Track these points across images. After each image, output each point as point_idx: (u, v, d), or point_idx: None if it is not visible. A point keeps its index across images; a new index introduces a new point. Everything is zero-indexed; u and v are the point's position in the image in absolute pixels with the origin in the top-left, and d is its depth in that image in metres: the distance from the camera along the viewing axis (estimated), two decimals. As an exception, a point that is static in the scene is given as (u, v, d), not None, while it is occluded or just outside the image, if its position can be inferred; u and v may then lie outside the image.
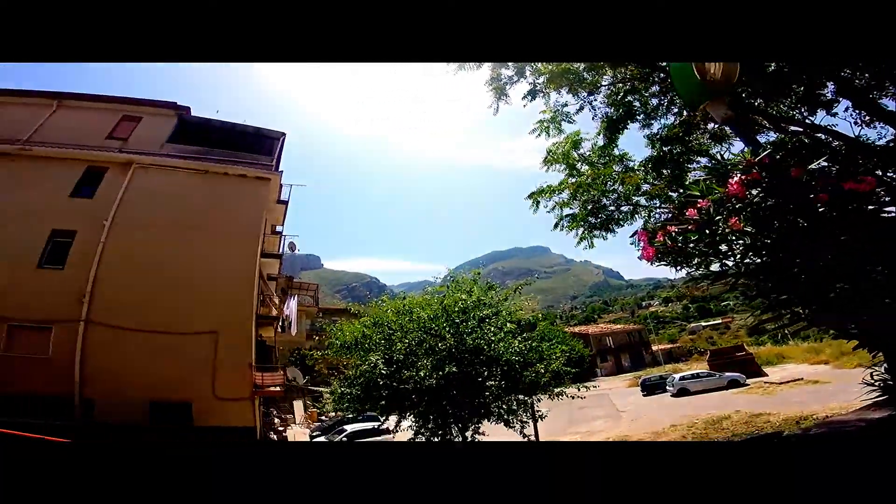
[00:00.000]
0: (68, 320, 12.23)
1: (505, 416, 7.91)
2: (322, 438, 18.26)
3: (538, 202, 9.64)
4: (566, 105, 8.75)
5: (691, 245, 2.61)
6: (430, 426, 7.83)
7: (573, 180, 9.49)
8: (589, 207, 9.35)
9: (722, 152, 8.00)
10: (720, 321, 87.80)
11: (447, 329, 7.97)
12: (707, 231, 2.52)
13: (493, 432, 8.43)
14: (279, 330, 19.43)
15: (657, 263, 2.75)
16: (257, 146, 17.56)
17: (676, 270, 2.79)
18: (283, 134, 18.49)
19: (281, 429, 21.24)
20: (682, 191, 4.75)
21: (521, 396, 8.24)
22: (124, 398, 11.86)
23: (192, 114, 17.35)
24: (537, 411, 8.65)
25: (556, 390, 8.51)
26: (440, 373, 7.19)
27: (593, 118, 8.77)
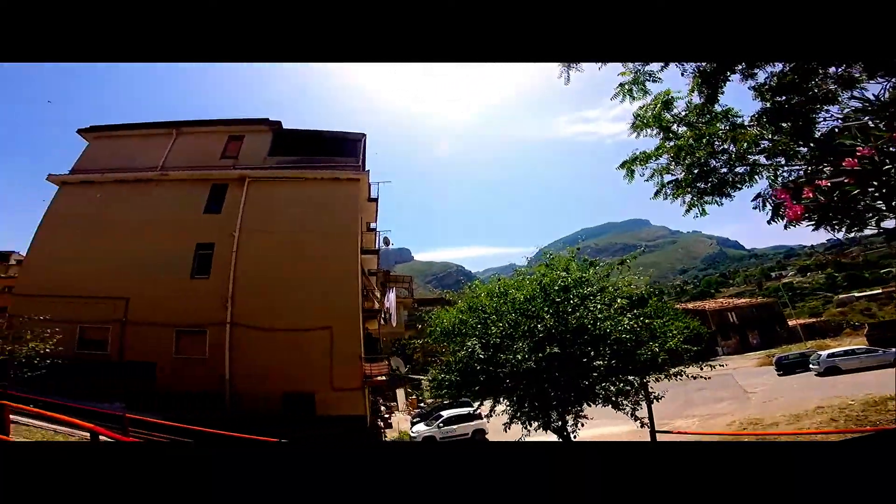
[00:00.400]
0: (217, 323, 14.47)
1: (613, 398, 7.49)
2: (422, 424, 19.31)
3: (632, 171, 8.73)
4: (647, 63, 7.74)
5: (855, 200, 2.06)
6: (525, 409, 7.69)
7: (671, 143, 8.42)
8: (695, 171, 8.23)
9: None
10: (880, 291, 72.24)
11: (546, 309, 7.71)
12: (875, 182, 2.03)
13: (597, 416, 8.01)
14: (381, 322, 20.79)
15: (806, 224, 2.24)
16: (342, 149, 18.85)
17: (834, 230, 2.24)
18: (364, 135, 19.61)
19: (387, 416, 22.84)
20: (812, 144, 4.03)
21: (631, 377, 7.73)
22: (263, 392, 13.79)
23: (283, 127, 19.07)
24: (651, 392, 7.99)
25: (674, 370, 7.81)
26: (540, 354, 6.99)
27: (682, 74, 7.59)
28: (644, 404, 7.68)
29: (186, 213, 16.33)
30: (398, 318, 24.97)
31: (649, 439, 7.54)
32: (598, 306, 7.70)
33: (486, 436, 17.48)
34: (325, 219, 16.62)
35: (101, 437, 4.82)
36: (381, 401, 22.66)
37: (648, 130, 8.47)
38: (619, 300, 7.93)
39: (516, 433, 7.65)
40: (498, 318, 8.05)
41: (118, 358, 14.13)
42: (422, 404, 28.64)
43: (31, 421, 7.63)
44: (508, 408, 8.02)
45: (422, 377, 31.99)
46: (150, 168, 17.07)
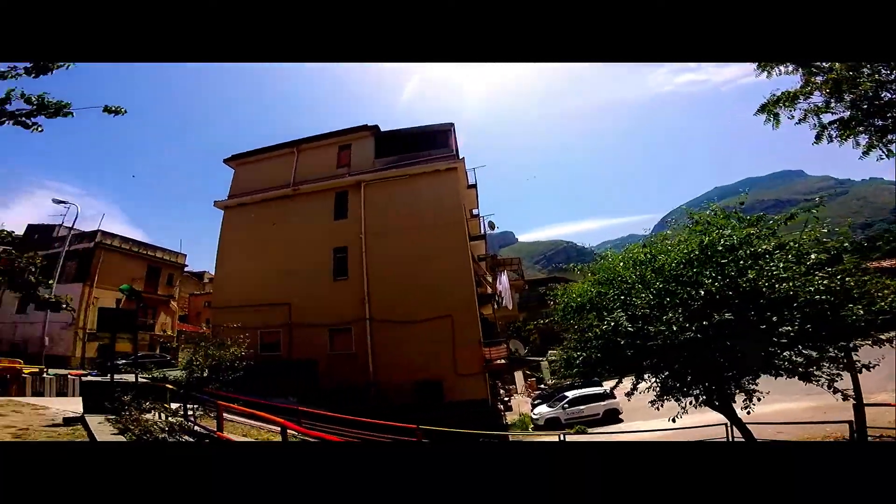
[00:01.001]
0: (359, 320, 16.50)
1: (802, 369, 6.57)
2: (543, 406, 19.22)
3: (776, 115, 7.36)
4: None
5: None
6: (679, 384, 7.17)
7: (820, 78, 6.96)
8: (864, 107, 6.72)
9: None
10: None
11: (707, 273, 6.97)
12: None
13: (776, 389, 6.87)
14: (495, 306, 21.31)
15: None
16: (435, 141, 19.61)
17: None
18: (452, 124, 20.18)
19: (507, 399, 23.26)
20: None
21: (828, 345, 6.68)
22: (398, 382, 15.36)
23: (381, 130, 20.49)
24: (856, 361, 6.83)
25: (886, 335, 6.58)
26: (705, 322, 6.42)
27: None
28: (841, 375, 6.54)
29: (321, 221, 18.68)
30: (512, 301, 25.20)
31: (852, 415, 6.20)
32: (781, 265, 6.72)
33: (620, 416, 16.80)
34: (433, 211, 17.50)
35: (290, 432, 5.34)
36: (499, 384, 23.26)
37: (782, 67, 7.05)
38: (813, 255, 6.80)
39: (670, 411, 7.18)
40: (644, 288, 7.50)
41: (288, 357, 16.80)
42: (542, 386, 28.56)
43: (234, 418, 8.98)
44: (656, 384, 7.55)
45: (540, 359, 31.85)
46: (284, 185, 19.70)
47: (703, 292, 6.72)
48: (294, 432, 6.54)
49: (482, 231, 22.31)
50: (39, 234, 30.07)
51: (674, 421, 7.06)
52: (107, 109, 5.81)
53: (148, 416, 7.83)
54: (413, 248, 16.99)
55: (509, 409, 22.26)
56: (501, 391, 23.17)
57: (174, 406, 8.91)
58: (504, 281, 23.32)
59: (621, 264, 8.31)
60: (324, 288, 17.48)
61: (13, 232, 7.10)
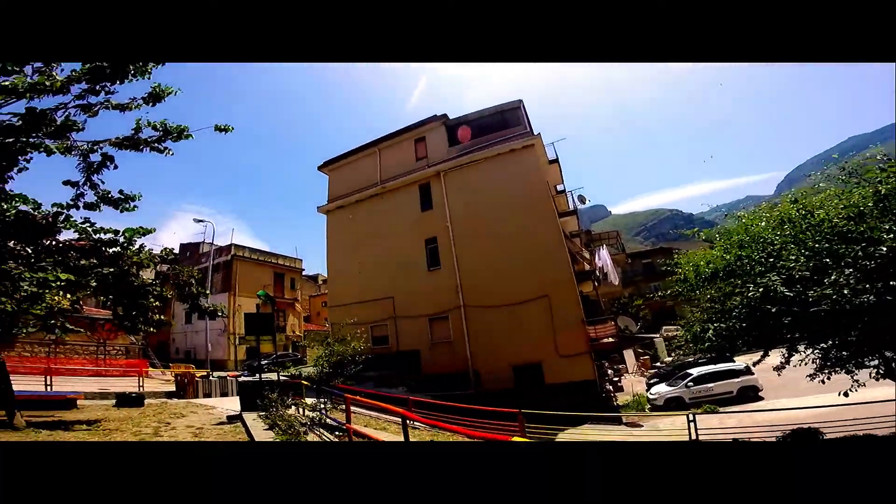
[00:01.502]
0: (455, 308, 16.87)
1: None
2: (662, 385, 17.67)
3: None
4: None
5: None
6: (846, 355, 6.31)
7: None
8: None
9: None
10: None
11: (888, 227, 5.91)
12: None
13: None
14: (595, 283, 20.16)
15: None
16: (506, 121, 18.99)
17: None
18: (520, 101, 19.28)
19: (616, 379, 21.85)
20: None
21: None
22: (496, 367, 15.40)
23: (449, 118, 20.40)
24: None
25: None
26: (886, 284, 5.43)
27: None
28: None
29: (410, 214, 19.42)
30: (615, 276, 23.60)
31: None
32: None
33: (760, 393, 14.84)
34: (515, 191, 17.07)
35: (409, 421, 5.50)
36: (606, 364, 22.11)
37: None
38: None
39: (838, 385, 6.31)
40: (798, 248, 6.60)
41: (397, 349, 17.90)
42: (657, 364, 26.34)
43: (359, 410, 9.69)
44: (817, 355, 6.74)
45: (653, 335, 29.40)
46: (372, 185, 20.83)
47: (884, 249, 5.56)
48: (418, 423, 6.88)
49: (572, 206, 21.14)
50: (190, 251, 36.35)
51: (846, 395, 6.23)
52: (217, 128, 6.53)
53: (290, 411, 8.97)
54: (500, 231, 16.82)
55: (620, 389, 21.04)
56: (610, 371, 22.01)
57: (310, 401, 10.09)
58: (604, 256, 21.84)
59: (763, 224, 7.30)
60: (420, 279, 18.15)
61: (174, 250, 8.33)
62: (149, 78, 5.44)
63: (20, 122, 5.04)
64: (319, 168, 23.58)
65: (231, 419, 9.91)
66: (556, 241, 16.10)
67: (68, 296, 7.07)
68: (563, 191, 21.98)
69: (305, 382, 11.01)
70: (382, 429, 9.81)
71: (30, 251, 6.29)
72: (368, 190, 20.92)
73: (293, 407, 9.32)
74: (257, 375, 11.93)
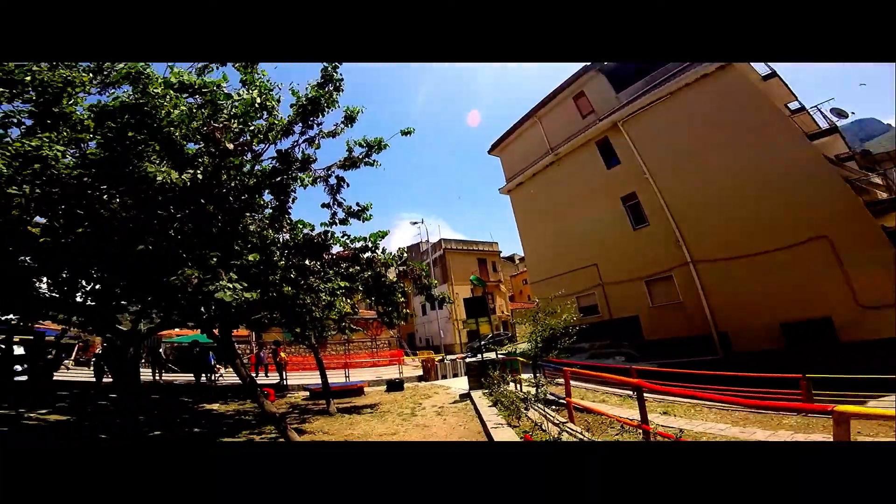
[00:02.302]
0: (680, 265, 14.35)
1: None
2: None
3: None
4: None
5: None
6: None
7: None
8: None
9: None
10: None
11: None
12: None
13: None
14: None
15: None
16: None
17: None
18: None
19: None
20: None
21: None
22: (753, 325, 12.30)
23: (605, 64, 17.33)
24: None
25: None
26: None
27: None
28: None
29: (594, 175, 17.68)
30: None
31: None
32: None
33: None
34: (726, 120, 13.37)
35: (645, 393, 4.96)
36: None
37: None
38: None
39: None
40: None
41: (609, 317, 16.76)
42: None
43: (575, 383, 9.46)
44: None
45: None
46: (543, 155, 19.93)
47: None
48: (650, 393, 6.26)
49: (825, 125, 15.12)
50: (413, 252, 43.25)
51: None
52: (403, 133, 7.29)
53: (510, 387, 9.42)
54: (720, 171, 13.41)
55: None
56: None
57: (526, 376, 10.38)
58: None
59: None
60: (625, 240, 16.34)
61: (405, 249, 9.68)
62: (337, 107, 6.48)
63: (278, 162, 6.64)
64: (490, 152, 24.14)
65: (462, 397, 11.17)
66: (815, 170, 11.77)
67: (347, 300, 8.51)
68: (801, 108, 16.04)
69: (521, 359, 11.39)
70: (602, 401, 9.23)
71: (318, 266, 7.64)
72: (541, 161, 20.15)
73: (512, 384, 9.76)
74: (479, 356, 13.10)
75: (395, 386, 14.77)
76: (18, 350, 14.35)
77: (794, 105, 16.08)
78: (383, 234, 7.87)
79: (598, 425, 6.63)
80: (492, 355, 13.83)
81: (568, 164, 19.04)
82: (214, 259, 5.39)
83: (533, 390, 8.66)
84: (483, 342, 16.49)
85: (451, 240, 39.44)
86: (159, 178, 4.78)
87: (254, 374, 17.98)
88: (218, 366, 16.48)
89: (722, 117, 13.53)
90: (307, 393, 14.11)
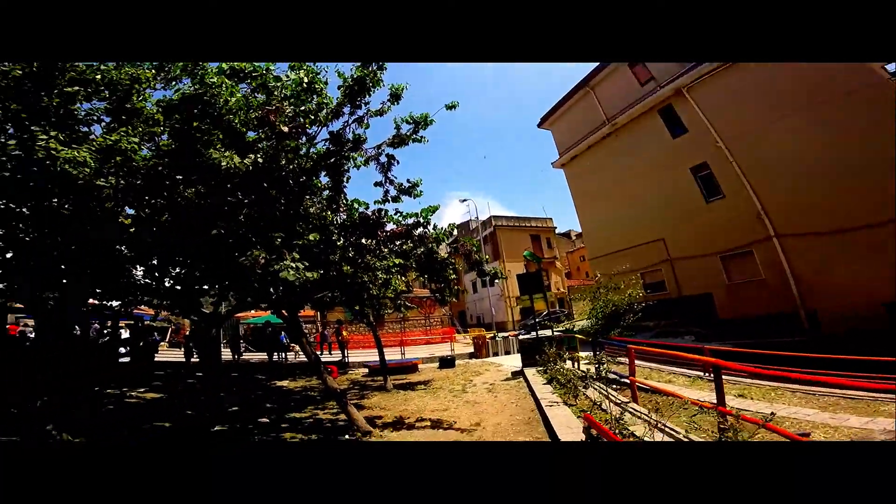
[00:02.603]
0: (762, 240, 12.97)
1: None
2: None
3: None
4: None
5: None
6: None
7: None
8: None
9: None
10: None
11: None
12: None
13: None
14: None
15: None
16: None
17: None
18: None
19: None
20: None
21: None
22: (848, 305, 10.89)
23: None
24: None
25: None
26: None
27: None
28: None
29: (658, 145, 16.36)
30: None
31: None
32: None
33: None
34: (813, 81, 11.69)
35: (722, 372, 4.68)
36: None
37: None
38: None
39: None
40: None
41: (677, 294, 15.70)
42: None
43: (642, 363, 9.12)
44: None
45: None
46: (600, 126, 18.75)
47: None
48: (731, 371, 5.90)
49: None
50: (462, 230, 43.24)
51: None
52: (447, 107, 7.14)
53: (567, 365, 9.18)
54: (807, 138, 11.85)
55: None
56: None
57: (584, 354, 10.07)
58: None
59: None
60: (697, 213, 15.05)
61: (455, 224, 9.44)
62: (382, 85, 6.46)
63: (330, 144, 6.81)
64: (540, 125, 23.13)
65: (514, 375, 11.09)
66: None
67: (402, 278, 8.45)
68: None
69: (580, 336, 11.05)
70: (668, 381, 8.73)
71: (374, 244, 7.66)
72: (597, 132, 18.99)
73: (568, 361, 9.50)
74: (534, 333, 12.89)
75: (447, 363, 15.04)
76: (125, 334, 16.39)
77: (892, 67, 13.64)
78: (434, 209, 7.78)
79: (666, 406, 6.28)
80: (548, 332, 13.55)
81: (627, 134, 17.84)
82: (279, 240, 5.66)
83: (591, 368, 8.36)
84: (537, 319, 16.18)
85: (501, 216, 38.75)
86: (224, 163, 5.06)
87: (319, 352, 19.21)
88: (293, 344, 17.60)
89: (808, 79, 11.87)
90: (366, 370, 14.80)
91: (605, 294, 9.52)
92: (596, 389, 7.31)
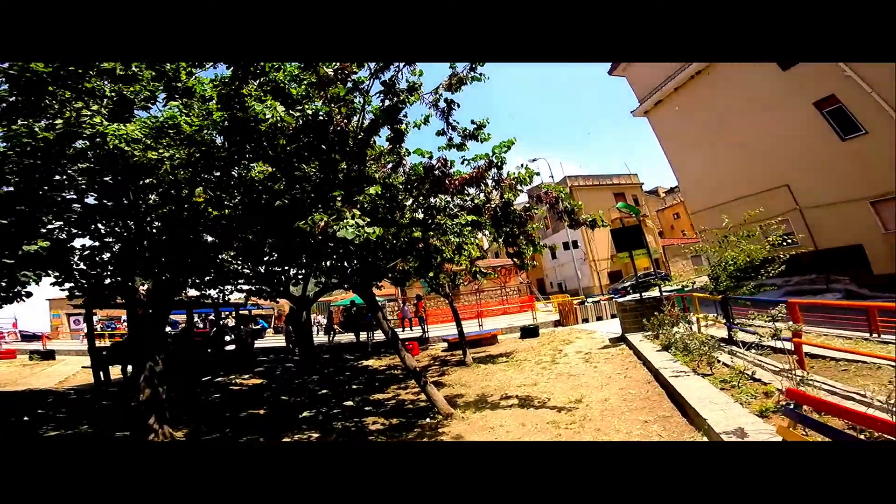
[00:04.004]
0: None
1: None
2: None
3: None
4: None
5: None
6: None
7: None
8: None
9: None
10: None
11: None
12: None
13: None
14: None
15: None
16: None
17: None
18: None
19: None
20: None
21: None
22: None
23: None
24: None
25: None
26: None
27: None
28: None
29: (765, 80, 13.28)
30: None
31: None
32: None
33: None
34: None
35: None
36: None
37: None
38: None
39: None
40: None
41: (813, 248, 13.06)
42: None
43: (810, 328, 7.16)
44: None
45: None
46: (685, 64, 15.72)
47: None
48: None
49: None
50: (532, 196, 40.93)
51: None
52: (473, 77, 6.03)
53: (677, 329, 7.61)
54: None
55: None
56: None
57: (710, 316, 8.35)
58: None
59: None
60: (830, 153, 12.14)
61: (537, 167, 7.87)
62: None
63: (384, 95, 5.87)
64: (611, 72, 20.16)
65: (613, 342, 9.68)
66: None
67: (475, 244, 7.10)
68: None
69: (700, 295, 9.24)
70: (856, 344, 6.55)
71: (443, 203, 6.70)
72: (685, 70, 16.00)
73: (685, 324, 7.90)
74: (639, 293, 11.20)
75: (529, 332, 13.88)
76: (230, 323, 17.79)
77: None
78: (509, 145, 6.35)
79: (850, 377, 4.64)
80: (653, 293, 11.78)
81: (723, 70, 14.87)
82: (339, 201, 5.06)
83: (718, 333, 6.75)
84: (629, 283, 14.32)
85: (577, 175, 35.69)
86: (269, 116, 4.49)
87: (401, 329, 19.31)
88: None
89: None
90: (445, 344, 14.31)
91: (735, 242, 7.57)
92: (738, 356, 5.80)
